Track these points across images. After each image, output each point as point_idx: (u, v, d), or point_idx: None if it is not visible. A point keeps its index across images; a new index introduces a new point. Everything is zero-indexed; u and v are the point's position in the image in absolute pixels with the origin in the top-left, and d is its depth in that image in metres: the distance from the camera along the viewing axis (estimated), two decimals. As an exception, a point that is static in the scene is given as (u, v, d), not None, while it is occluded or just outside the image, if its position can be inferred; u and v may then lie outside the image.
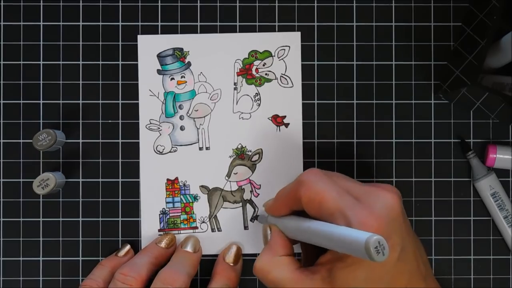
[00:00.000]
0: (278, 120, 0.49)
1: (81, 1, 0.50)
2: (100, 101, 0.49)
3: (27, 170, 0.49)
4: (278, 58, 0.49)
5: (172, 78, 0.49)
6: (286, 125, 0.49)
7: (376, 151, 0.49)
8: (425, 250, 0.42)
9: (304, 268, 0.40)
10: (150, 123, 0.49)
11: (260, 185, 0.49)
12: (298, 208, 0.41)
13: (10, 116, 0.49)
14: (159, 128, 0.49)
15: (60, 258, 0.49)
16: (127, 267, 0.45)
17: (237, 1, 0.50)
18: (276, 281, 0.40)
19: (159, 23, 0.49)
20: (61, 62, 0.49)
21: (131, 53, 0.49)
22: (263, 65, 0.49)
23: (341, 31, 0.50)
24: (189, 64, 0.49)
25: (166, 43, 0.49)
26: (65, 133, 0.49)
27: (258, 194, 0.49)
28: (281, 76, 0.49)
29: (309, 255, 0.43)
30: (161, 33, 0.49)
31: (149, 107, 0.49)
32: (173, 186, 0.49)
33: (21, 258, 0.49)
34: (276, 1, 0.50)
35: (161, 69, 0.49)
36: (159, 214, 0.49)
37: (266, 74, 0.49)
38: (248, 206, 0.49)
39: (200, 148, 0.49)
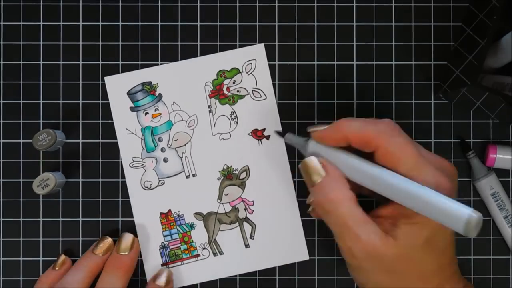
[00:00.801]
0: (258, 134, 0.49)
1: (81, 1, 0.50)
2: (100, 101, 0.49)
3: (27, 170, 0.49)
4: (247, 73, 0.49)
5: (147, 113, 0.49)
6: (267, 137, 0.49)
7: (376, 151, 0.49)
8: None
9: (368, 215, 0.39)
10: (133, 161, 0.49)
11: (253, 201, 0.49)
12: (359, 148, 0.39)
13: (10, 116, 0.49)
14: (142, 164, 0.49)
15: (60, 258, 0.49)
16: None
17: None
18: (343, 218, 0.38)
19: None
20: (61, 62, 0.49)
21: (131, 53, 0.49)
22: (233, 83, 0.49)
23: (341, 31, 0.50)
24: (160, 96, 0.49)
25: (134, 79, 0.49)
26: (65, 133, 0.49)
27: (253, 210, 0.49)
28: (253, 90, 0.49)
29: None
30: (123, 71, 0.49)
31: (129, 145, 0.49)
32: (168, 219, 0.49)
33: (21, 258, 0.49)
34: (276, 2, 0.50)
35: (133, 106, 0.49)
36: (159, 249, 0.49)
37: (237, 91, 0.49)
38: (245, 224, 0.49)
39: (187, 176, 0.49)
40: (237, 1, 0.50)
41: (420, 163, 0.38)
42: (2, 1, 0.49)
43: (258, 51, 0.49)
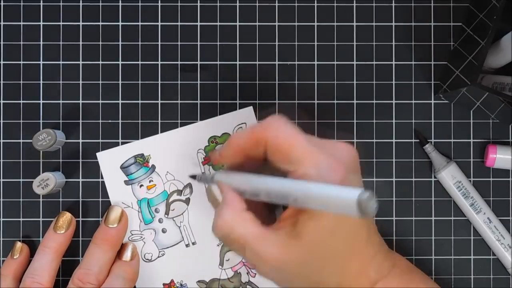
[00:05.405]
0: None
1: (81, 1, 0.50)
2: (100, 101, 0.49)
3: (27, 170, 0.49)
4: None
5: (141, 185, 0.49)
6: None
7: (376, 151, 0.49)
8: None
9: (267, 226, 0.39)
10: (132, 235, 0.48)
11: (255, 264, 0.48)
12: (257, 155, 0.39)
13: (10, 116, 0.49)
14: (141, 237, 0.48)
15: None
16: (28, 278, 0.44)
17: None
18: (241, 238, 0.38)
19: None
20: (61, 62, 0.49)
21: (132, 53, 0.49)
22: None
23: (341, 31, 0.50)
24: (153, 167, 0.49)
25: (126, 153, 0.49)
26: (65, 133, 0.49)
27: (255, 274, 0.48)
28: None
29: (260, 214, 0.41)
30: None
31: None
32: None
33: (21, 258, 0.49)
34: (276, 2, 0.50)
35: (127, 179, 0.49)
36: None
37: None
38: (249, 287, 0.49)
39: (187, 245, 0.49)
40: (237, 1, 0.50)
41: (309, 149, 0.37)
42: (2, 1, 0.49)
43: (247, 114, 0.49)
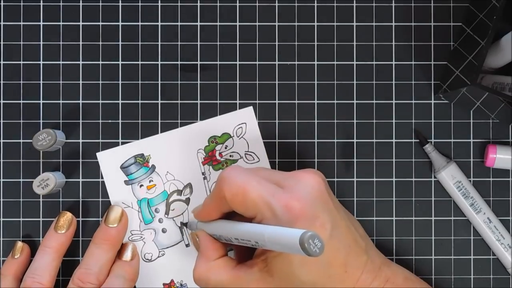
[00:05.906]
0: None
1: (81, 1, 0.50)
2: (100, 101, 0.49)
3: (27, 170, 0.49)
4: (238, 137, 0.49)
5: (141, 185, 0.49)
6: None
7: (376, 151, 0.49)
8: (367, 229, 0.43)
9: (241, 265, 0.41)
10: (132, 234, 0.48)
11: None
12: (227, 209, 0.41)
13: (10, 116, 0.49)
14: (141, 237, 0.48)
15: (60, 258, 0.49)
16: (29, 278, 0.44)
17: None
18: (218, 284, 0.41)
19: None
20: (61, 62, 0.49)
21: (132, 53, 0.49)
22: (225, 148, 0.49)
23: (341, 31, 0.50)
24: (153, 167, 0.49)
25: (126, 153, 0.49)
26: (65, 133, 0.49)
27: None
28: (245, 153, 0.49)
29: (244, 250, 0.43)
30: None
31: None
32: None
33: (21, 258, 0.49)
34: (276, 2, 0.50)
35: (127, 179, 0.49)
36: None
37: (230, 155, 0.49)
38: None
39: (187, 245, 0.49)
40: (237, 1, 0.50)
41: (261, 194, 0.38)
42: (2, 1, 0.49)
43: (247, 114, 0.49)
